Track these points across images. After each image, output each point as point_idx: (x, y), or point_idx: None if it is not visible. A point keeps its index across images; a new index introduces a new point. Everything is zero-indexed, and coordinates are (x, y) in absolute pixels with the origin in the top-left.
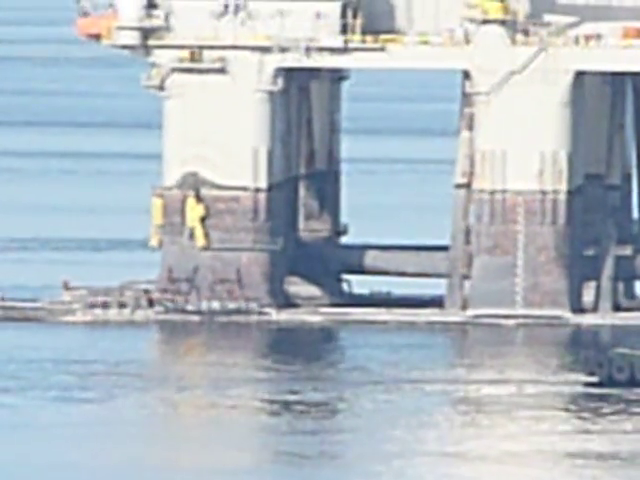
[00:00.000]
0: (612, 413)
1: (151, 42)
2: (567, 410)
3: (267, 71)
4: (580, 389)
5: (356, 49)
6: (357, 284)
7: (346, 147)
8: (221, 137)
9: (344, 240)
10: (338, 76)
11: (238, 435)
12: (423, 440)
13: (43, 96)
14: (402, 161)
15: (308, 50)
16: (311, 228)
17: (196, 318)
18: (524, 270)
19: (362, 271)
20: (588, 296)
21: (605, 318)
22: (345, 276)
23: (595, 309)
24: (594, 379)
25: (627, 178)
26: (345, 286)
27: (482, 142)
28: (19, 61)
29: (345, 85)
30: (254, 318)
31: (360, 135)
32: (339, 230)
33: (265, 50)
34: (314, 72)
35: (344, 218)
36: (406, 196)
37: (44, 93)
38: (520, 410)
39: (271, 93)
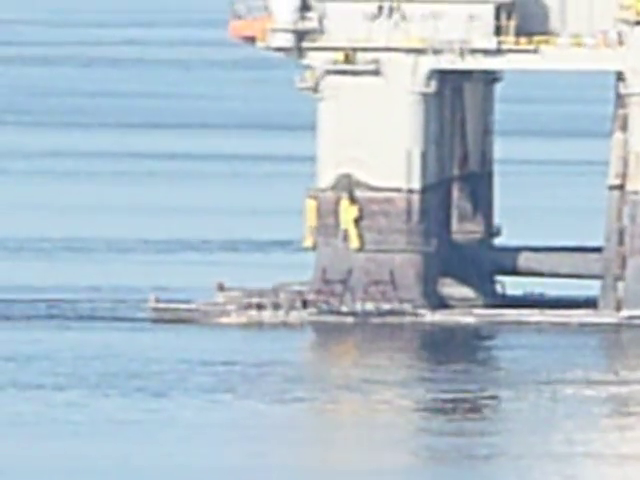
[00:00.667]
0: None
1: (305, 44)
2: None
3: (421, 73)
4: None
5: (509, 51)
6: (510, 285)
7: (499, 148)
8: (375, 139)
9: (497, 242)
10: (491, 78)
11: (394, 436)
12: (580, 442)
13: (194, 99)
14: (555, 163)
15: (462, 52)
16: (464, 230)
17: (350, 320)
18: None
19: (515, 272)
20: None
21: None
22: (498, 277)
23: None
24: None
25: None
26: (499, 287)
27: (636, 143)
28: (171, 64)
29: (498, 86)
30: (408, 319)
31: (513, 137)
32: (492, 232)
33: (419, 52)
34: (467, 74)
35: (497, 220)
36: (559, 198)
37: (195, 96)
38: None
39: (425, 95)
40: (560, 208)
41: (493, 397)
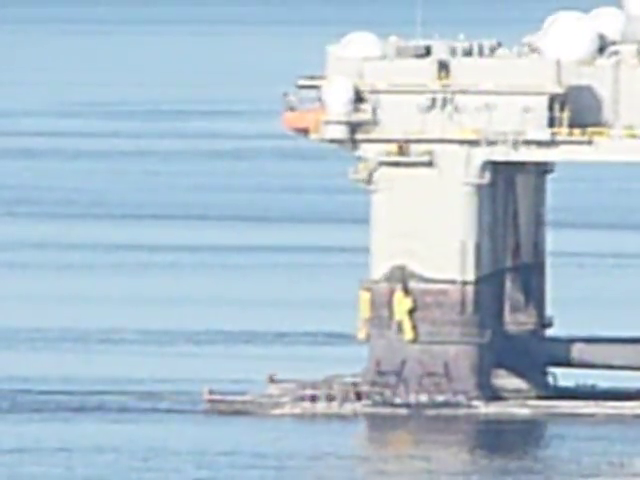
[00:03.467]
0: None
1: (359, 136)
2: None
3: (475, 164)
4: None
5: (563, 142)
6: (562, 377)
7: (552, 239)
8: (429, 230)
9: (550, 333)
10: (543, 169)
11: None
12: None
13: (247, 192)
14: (609, 255)
15: (516, 143)
16: (517, 321)
17: (404, 411)
18: None
19: (568, 364)
20: None
21: None
22: (551, 369)
23: None
24: None
25: None
26: (551, 379)
27: None
28: (222, 156)
29: (552, 179)
30: (462, 411)
31: (566, 228)
32: (545, 323)
33: (473, 143)
34: (519, 165)
35: (549, 311)
36: (613, 289)
37: (247, 188)
38: None
39: (479, 186)
40: (612, 299)
41: None
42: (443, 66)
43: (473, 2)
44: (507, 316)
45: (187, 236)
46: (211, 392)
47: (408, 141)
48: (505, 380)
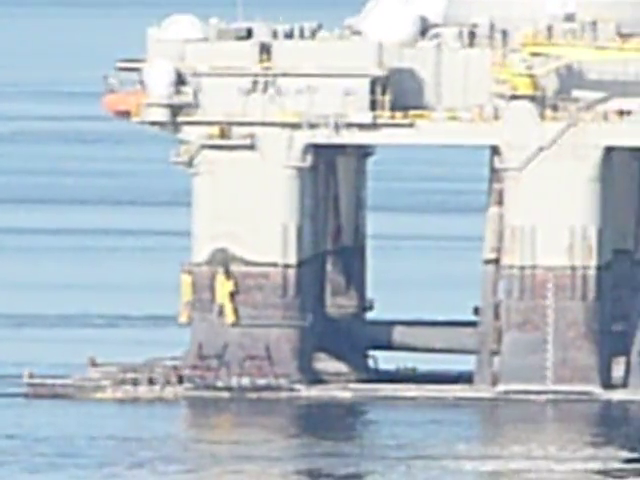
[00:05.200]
0: None
1: (180, 119)
2: None
3: (296, 147)
4: (620, 465)
5: (385, 125)
6: (383, 360)
7: (373, 223)
8: (250, 213)
9: (370, 316)
10: (364, 152)
11: None
12: None
13: (68, 175)
14: (429, 237)
15: (337, 126)
16: (338, 304)
17: (226, 395)
18: (554, 346)
19: (389, 347)
20: (618, 371)
21: (635, 394)
22: (372, 352)
23: (625, 385)
24: (635, 455)
25: None
26: (371, 362)
27: (511, 217)
28: (47, 138)
29: (372, 162)
30: (284, 394)
31: (387, 211)
32: (365, 306)
33: (294, 126)
34: (341, 148)
35: (370, 294)
36: (433, 272)
37: (69, 172)
38: None
39: (300, 169)
40: (434, 282)
41: (369, 472)
42: (264, 48)
43: None
44: (328, 299)
45: (15, 219)
46: (31, 375)
47: (230, 124)
48: (326, 363)
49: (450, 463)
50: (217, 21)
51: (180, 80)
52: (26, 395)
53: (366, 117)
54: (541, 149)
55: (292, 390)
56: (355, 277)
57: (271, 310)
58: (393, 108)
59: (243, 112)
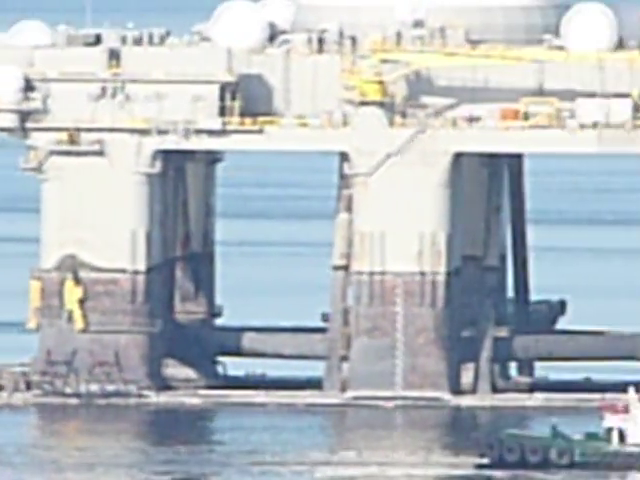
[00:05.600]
0: None
1: (29, 124)
2: None
3: (145, 153)
4: (470, 471)
5: (235, 131)
6: (232, 366)
7: (222, 229)
8: (99, 219)
9: (220, 322)
10: (212, 158)
11: None
12: None
13: None
14: (278, 244)
15: (187, 132)
16: (187, 310)
17: (75, 401)
18: (403, 352)
19: (239, 353)
20: (467, 377)
21: (484, 400)
22: (221, 358)
23: (474, 390)
24: (485, 460)
25: (502, 259)
26: (220, 368)
27: (361, 224)
28: None
29: (221, 168)
30: (133, 400)
31: (236, 218)
32: (214, 312)
33: (143, 132)
34: (189, 154)
35: (219, 300)
36: (282, 278)
37: None
38: None
39: (149, 175)
40: (283, 289)
41: (215, 478)
42: (113, 55)
43: None
44: (177, 305)
45: None
46: None
47: (78, 130)
48: (176, 369)
49: (299, 468)
50: (66, 27)
51: (29, 86)
52: None
53: (215, 123)
54: (390, 155)
55: (141, 396)
56: (204, 283)
57: (120, 316)
58: (242, 114)
59: (92, 118)
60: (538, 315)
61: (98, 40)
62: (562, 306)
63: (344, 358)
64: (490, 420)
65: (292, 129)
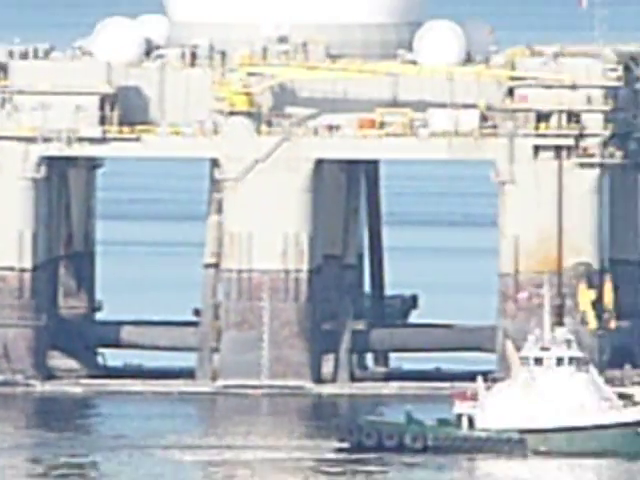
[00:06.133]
0: (363, 474)
1: None
2: (317, 472)
3: (31, 160)
4: (330, 454)
5: (114, 139)
6: (111, 357)
7: (102, 230)
8: None
9: (100, 316)
10: (92, 164)
11: None
12: None
13: None
14: (154, 244)
15: (69, 140)
16: (70, 305)
17: None
18: (269, 344)
19: (117, 345)
20: (327, 367)
21: (343, 388)
22: (101, 350)
23: (334, 379)
24: (345, 445)
25: (360, 258)
26: (101, 359)
27: (230, 225)
28: None
29: (101, 174)
30: (20, 389)
31: (116, 219)
32: (95, 307)
33: (29, 140)
34: (72, 160)
35: (99, 295)
36: (158, 276)
37: None
38: (270, 473)
39: (35, 180)
40: (158, 286)
41: (92, 461)
42: (1, 68)
43: (26, 6)
44: (61, 301)
45: None
46: None
47: None
48: (59, 360)
49: (173, 453)
50: None
51: None
52: None
53: (96, 132)
54: (257, 161)
55: (28, 385)
56: (85, 280)
57: (8, 311)
58: (121, 123)
59: None
60: (392, 309)
61: None
62: (414, 300)
63: (215, 350)
64: (349, 407)
65: (167, 137)
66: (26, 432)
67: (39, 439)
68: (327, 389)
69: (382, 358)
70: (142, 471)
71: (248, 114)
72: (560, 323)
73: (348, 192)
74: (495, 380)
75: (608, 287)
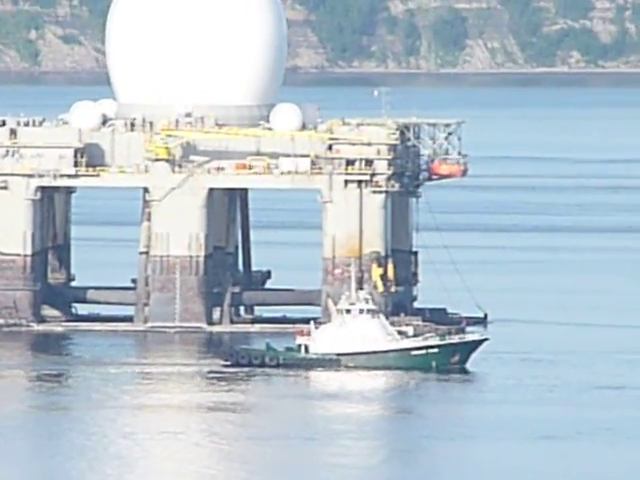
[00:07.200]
0: (238, 380)
1: None
2: (210, 378)
3: (31, 188)
4: (217, 368)
5: (83, 175)
6: (81, 309)
7: (76, 231)
8: (2, 226)
9: (74, 284)
10: (69, 191)
11: None
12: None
13: None
14: (108, 239)
15: (55, 176)
16: (55, 277)
17: None
18: (180, 301)
19: (85, 301)
20: (216, 315)
21: (226, 328)
22: (74, 304)
23: (220, 322)
24: (228, 363)
25: (236, 248)
26: (74, 310)
27: (155, 228)
28: None
29: (75, 197)
30: (24, 329)
31: (85, 224)
32: (70, 278)
33: (30, 176)
34: (56, 189)
35: (73, 270)
36: (113, 259)
37: None
38: (179, 379)
39: (33, 201)
40: (110, 264)
41: (69, 374)
42: (12, 131)
43: (28, 94)
44: (49, 274)
45: None
46: None
47: None
48: (48, 311)
49: (116, 367)
50: None
51: None
52: None
53: (71, 170)
54: (172, 189)
55: (28, 326)
56: (64, 262)
57: (16, 281)
58: (88, 165)
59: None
60: (256, 279)
61: (4, 124)
62: (269, 274)
63: (145, 304)
64: (230, 340)
65: (116, 174)
66: (27, 354)
67: (35, 359)
68: (216, 329)
69: (250, 310)
70: (96, 381)
71: (167, 160)
72: (361, 288)
73: (229, 208)
74: (321, 323)
75: (390, 266)
